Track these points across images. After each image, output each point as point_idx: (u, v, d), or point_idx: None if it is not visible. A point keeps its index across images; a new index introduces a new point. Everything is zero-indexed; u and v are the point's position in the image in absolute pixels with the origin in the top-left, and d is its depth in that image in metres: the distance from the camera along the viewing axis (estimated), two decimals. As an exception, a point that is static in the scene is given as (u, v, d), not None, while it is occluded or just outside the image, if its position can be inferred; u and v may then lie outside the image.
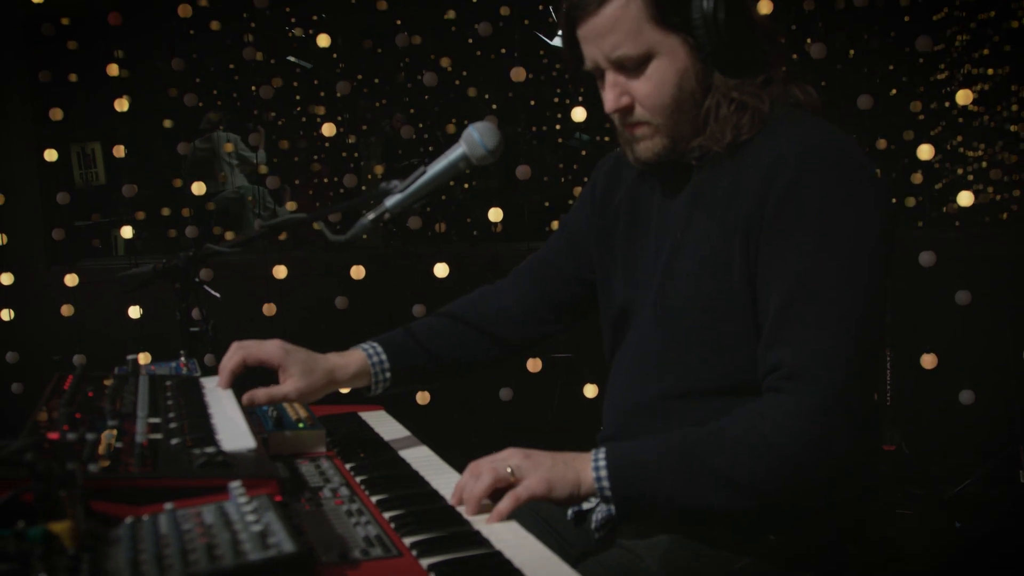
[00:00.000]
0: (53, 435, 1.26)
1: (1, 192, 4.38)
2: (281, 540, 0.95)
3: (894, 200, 1.53)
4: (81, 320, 4.35)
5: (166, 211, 6.46)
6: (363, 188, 6.43)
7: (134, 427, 1.37)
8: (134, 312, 4.17)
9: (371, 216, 1.65)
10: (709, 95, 1.58)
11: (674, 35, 1.54)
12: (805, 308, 1.46)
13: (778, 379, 1.47)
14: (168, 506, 1.05)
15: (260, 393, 1.71)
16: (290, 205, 5.62)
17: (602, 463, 1.49)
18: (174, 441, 1.33)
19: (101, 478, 1.10)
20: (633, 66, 1.56)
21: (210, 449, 1.22)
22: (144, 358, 4.16)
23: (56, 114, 4.31)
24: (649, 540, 1.57)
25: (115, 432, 1.29)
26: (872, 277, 1.47)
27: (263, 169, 5.91)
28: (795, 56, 3.80)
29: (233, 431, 1.43)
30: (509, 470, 1.48)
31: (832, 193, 1.48)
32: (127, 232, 4.37)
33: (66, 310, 4.32)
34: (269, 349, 1.76)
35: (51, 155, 4.36)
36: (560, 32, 1.66)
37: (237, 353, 1.76)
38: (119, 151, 4.46)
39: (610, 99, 1.60)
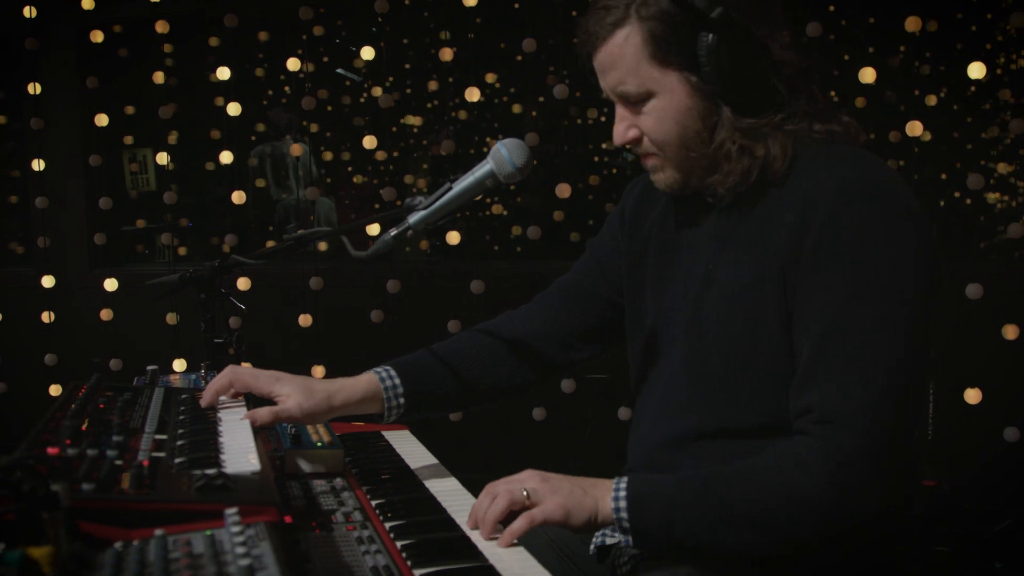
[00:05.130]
0: (53, 449, 1.22)
1: (46, 196, 4.41)
2: None
3: (936, 233, 1.46)
4: (120, 325, 4.37)
5: (215, 220, 6.50)
6: (398, 203, 6.40)
7: (139, 443, 1.33)
8: (171, 319, 4.18)
9: (394, 232, 1.60)
10: (717, 132, 1.51)
11: (674, 72, 1.50)
12: (839, 351, 1.39)
13: (809, 423, 1.40)
14: (159, 532, 1.00)
15: (262, 412, 1.65)
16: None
17: (622, 492, 1.45)
18: (178, 460, 1.28)
19: (92, 498, 1.05)
20: (635, 101, 1.54)
21: (211, 471, 1.17)
22: (179, 365, 4.19)
23: (102, 120, 4.34)
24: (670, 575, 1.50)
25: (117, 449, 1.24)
26: (910, 319, 1.40)
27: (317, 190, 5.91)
28: (839, 79, 3.72)
29: (240, 451, 1.38)
30: (525, 493, 1.45)
31: (868, 232, 1.41)
32: (166, 238, 4.37)
33: (105, 314, 4.33)
34: (261, 379, 1.71)
35: (96, 160, 4.38)
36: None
37: (226, 377, 1.72)
38: (162, 158, 4.48)
39: (618, 132, 1.58)
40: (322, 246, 5.54)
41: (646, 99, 1.52)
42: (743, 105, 1.50)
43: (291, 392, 1.68)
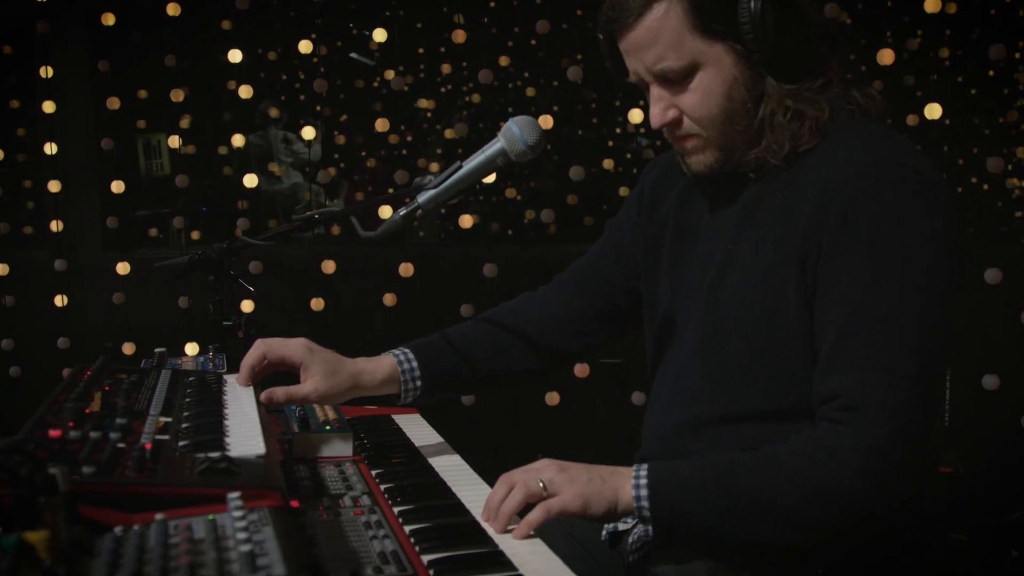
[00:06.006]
0: (55, 432, 1.20)
1: (59, 179, 4.40)
2: (272, 562, 0.87)
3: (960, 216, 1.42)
4: (134, 309, 4.36)
5: (226, 203, 6.49)
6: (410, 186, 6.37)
7: (142, 426, 1.31)
8: (184, 302, 4.16)
9: (403, 212, 1.58)
10: (763, 103, 1.47)
11: (719, 43, 1.45)
12: (865, 336, 1.36)
13: (836, 410, 1.36)
14: (159, 517, 0.98)
15: (278, 392, 1.64)
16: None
17: (643, 481, 1.40)
18: (182, 443, 1.26)
19: (93, 482, 1.03)
20: (677, 78, 1.47)
21: (214, 454, 1.15)
22: (192, 349, 4.18)
23: (113, 103, 4.32)
24: (686, 567, 1.47)
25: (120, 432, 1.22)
26: (936, 303, 1.36)
27: (331, 171, 5.90)
28: (863, 68, 3.67)
29: (246, 434, 1.36)
30: (541, 484, 1.41)
31: (895, 214, 1.37)
32: (178, 222, 4.36)
33: (118, 298, 4.32)
34: (292, 347, 1.69)
35: (108, 144, 4.36)
36: (601, 43, 1.57)
37: (259, 349, 1.70)
38: (174, 141, 4.46)
39: (656, 114, 1.51)
40: (334, 230, 5.53)
41: (689, 75, 1.47)
42: (787, 71, 1.45)
43: (314, 372, 1.67)
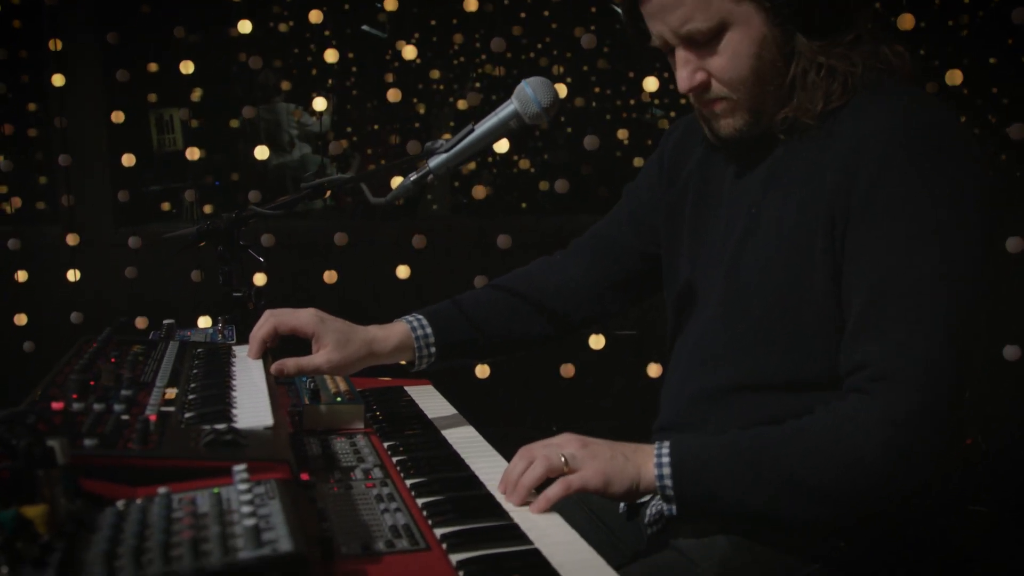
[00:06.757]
0: (58, 404, 1.17)
1: (69, 153, 4.37)
2: (279, 536, 0.84)
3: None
4: (147, 283, 4.34)
5: (235, 176, 6.46)
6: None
7: (148, 398, 1.28)
8: (196, 276, 4.14)
9: (414, 177, 1.53)
10: (793, 62, 1.41)
11: (747, 1, 1.38)
12: (896, 303, 1.30)
13: (865, 380, 1.31)
14: (162, 490, 0.94)
15: (289, 363, 1.61)
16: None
17: (665, 459, 1.36)
18: (187, 415, 1.23)
19: (94, 455, 1.00)
20: (705, 40, 1.41)
21: (220, 426, 1.11)
22: (204, 322, 4.16)
23: (123, 75, 4.28)
24: (705, 542, 1.43)
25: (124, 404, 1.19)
26: (968, 270, 1.31)
27: (343, 143, 5.86)
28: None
29: (253, 406, 1.32)
30: (563, 459, 1.36)
31: (929, 177, 1.31)
32: (190, 195, 4.33)
33: (130, 272, 4.31)
34: (303, 317, 1.66)
35: (118, 117, 4.33)
36: (621, 7, 1.51)
37: (268, 321, 1.67)
38: (184, 114, 4.43)
39: (683, 77, 1.44)
40: (346, 202, 5.48)
41: (717, 36, 1.40)
42: (817, 27, 1.39)
43: (326, 342, 1.64)
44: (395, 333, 1.72)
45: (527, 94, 1.52)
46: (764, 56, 1.41)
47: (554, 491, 1.33)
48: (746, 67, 1.41)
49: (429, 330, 1.73)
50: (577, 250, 1.86)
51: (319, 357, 1.64)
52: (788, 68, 1.41)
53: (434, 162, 1.54)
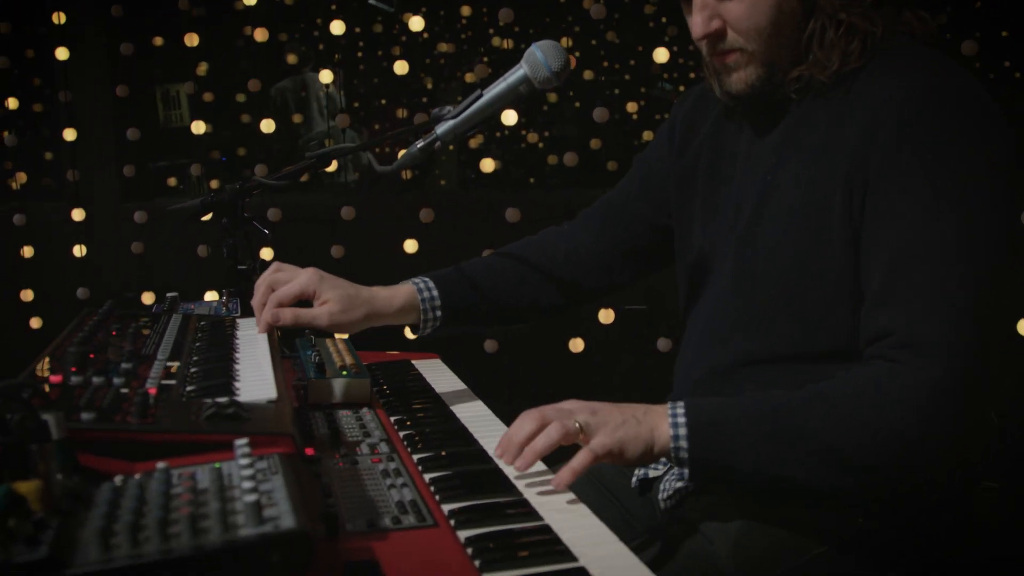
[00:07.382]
0: (56, 377, 1.14)
1: (75, 128, 4.34)
2: (281, 513, 0.81)
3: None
4: (153, 258, 4.32)
5: (241, 151, 6.43)
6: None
7: (149, 371, 1.25)
8: (203, 251, 4.12)
9: (421, 144, 1.49)
10: (813, 17, 1.37)
11: None
12: (922, 269, 1.26)
13: (889, 347, 1.27)
14: (161, 465, 0.91)
15: (287, 313, 1.56)
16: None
17: (680, 420, 1.30)
18: (189, 388, 1.19)
19: (92, 429, 0.97)
20: None
21: (222, 399, 1.08)
22: (210, 297, 4.14)
23: (127, 49, 4.24)
24: (720, 519, 1.39)
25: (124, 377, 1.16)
26: (993, 235, 1.26)
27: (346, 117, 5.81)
28: None
29: (256, 379, 1.29)
30: (578, 426, 1.29)
31: (951, 141, 1.27)
32: (196, 170, 4.30)
33: (136, 247, 4.28)
34: (304, 280, 1.59)
35: (123, 91, 4.29)
36: None
37: (266, 294, 1.61)
38: (189, 88, 4.39)
39: (698, 23, 1.40)
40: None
41: None
42: None
43: (327, 298, 1.59)
44: (400, 294, 1.67)
45: (537, 58, 1.48)
46: (784, 7, 1.36)
47: (580, 462, 1.26)
48: (765, 16, 1.36)
49: (436, 292, 1.69)
50: (587, 218, 1.83)
51: (320, 311, 1.58)
52: (807, 23, 1.37)
53: (441, 129, 1.50)
